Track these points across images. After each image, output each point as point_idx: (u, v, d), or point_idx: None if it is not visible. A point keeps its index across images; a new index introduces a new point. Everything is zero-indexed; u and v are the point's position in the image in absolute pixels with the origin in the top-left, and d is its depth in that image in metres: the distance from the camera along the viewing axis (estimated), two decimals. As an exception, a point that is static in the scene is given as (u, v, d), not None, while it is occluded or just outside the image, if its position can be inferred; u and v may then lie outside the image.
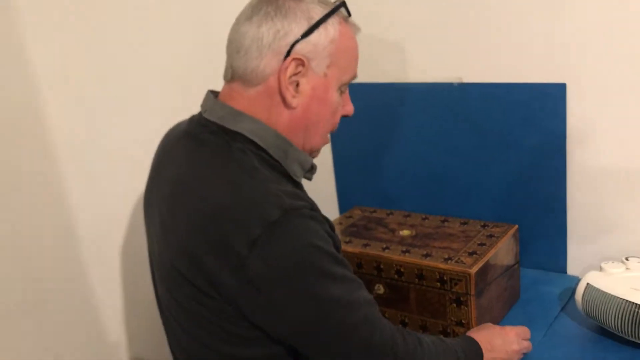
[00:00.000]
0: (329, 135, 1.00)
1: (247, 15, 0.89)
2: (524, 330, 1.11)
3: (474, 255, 1.16)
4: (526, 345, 1.09)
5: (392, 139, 1.55)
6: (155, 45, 1.37)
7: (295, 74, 0.88)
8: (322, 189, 1.76)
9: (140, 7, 1.33)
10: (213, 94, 0.96)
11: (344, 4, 0.93)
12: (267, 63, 0.87)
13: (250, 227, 0.78)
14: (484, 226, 1.28)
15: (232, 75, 0.91)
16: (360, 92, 1.56)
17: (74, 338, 1.29)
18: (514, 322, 1.21)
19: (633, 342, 1.08)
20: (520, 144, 1.35)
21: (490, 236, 1.23)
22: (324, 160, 1.72)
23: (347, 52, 0.93)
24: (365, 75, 1.55)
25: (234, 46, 0.90)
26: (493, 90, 1.36)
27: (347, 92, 0.98)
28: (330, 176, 1.72)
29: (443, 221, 1.34)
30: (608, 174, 1.28)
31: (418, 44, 1.45)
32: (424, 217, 1.37)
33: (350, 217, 1.43)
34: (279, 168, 0.91)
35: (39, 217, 1.21)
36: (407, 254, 1.19)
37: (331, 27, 0.89)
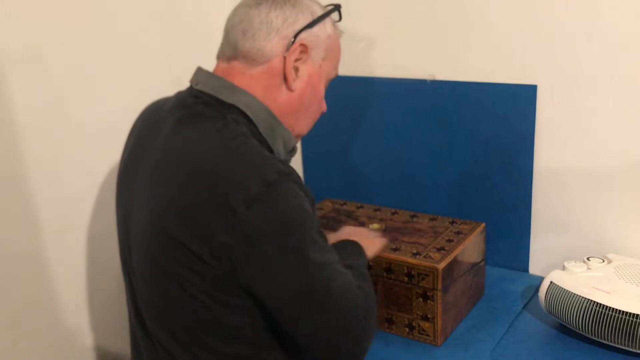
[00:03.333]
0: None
1: (257, 2, 0.95)
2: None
3: (442, 251, 1.17)
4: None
5: (363, 132, 1.55)
6: (127, 25, 1.34)
7: (298, 60, 0.95)
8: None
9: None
10: (205, 70, 0.98)
11: (339, 7, 1.03)
12: (274, 45, 0.93)
13: (249, 186, 0.81)
14: (452, 223, 1.30)
15: (234, 55, 0.95)
16: (332, 85, 1.57)
17: (32, 324, 1.26)
18: (478, 318, 1.24)
19: (592, 339, 1.11)
20: (489, 142, 1.38)
21: (458, 233, 1.25)
22: (294, 151, 1.72)
23: (336, 51, 1.03)
24: (340, 69, 1.55)
25: (240, 28, 0.95)
26: (465, 88, 1.38)
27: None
28: (298, 167, 1.72)
29: (412, 216, 1.35)
30: (573, 176, 1.31)
31: (393, 39, 1.45)
32: (393, 211, 1.38)
33: (320, 208, 1.43)
34: (265, 144, 0.94)
35: (1, 202, 1.17)
36: (376, 248, 1.20)
37: (328, 25, 0.99)
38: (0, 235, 1.18)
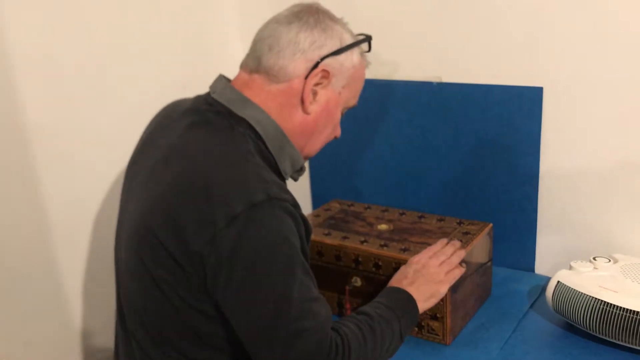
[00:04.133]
0: None
1: (288, 20, 0.96)
2: (445, 254, 1.12)
3: (451, 251, 1.18)
4: (455, 273, 1.11)
5: (370, 134, 1.57)
6: (137, 27, 1.36)
7: (318, 84, 0.96)
8: (296, 182, 1.76)
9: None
10: (225, 78, 0.99)
11: (369, 39, 1.04)
12: (297, 66, 0.94)
13: (233, 203, 0.81)
14: (459, 223, 1.31)
15: (257, 69, 0.96)
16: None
17: (43, 326, 1.27)
18: (486, 317, 1.25)
19: (599, 338, 1.12)
20: (495, 144, 1.39)
21: (466, 233, 1.26)
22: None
23: (359, 81, 1.04)
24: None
25: (267, 42, 0.95)
26: (471, 90, 1.39)
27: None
28: (305, 168, 1.73)
29: (420, 217, 1.36)
30: (578, 176, 1.32)
31: (399, 41, 1.46)
32: (401, 212, 1.39)
33: (328, 209, 1.44)
34: (270, 161, 0.94)
35: (12, 203, 1.18)
36: (385, 248, 1.21)
37: (355, 55, 1.00)
38: (11, 236, 1.19)
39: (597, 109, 1.26)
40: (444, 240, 1.18)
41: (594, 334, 1.12)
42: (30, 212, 1.21)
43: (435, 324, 1.17)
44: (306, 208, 1.75)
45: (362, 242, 1.24)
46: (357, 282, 1.24)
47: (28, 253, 1.22)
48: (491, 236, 1.30)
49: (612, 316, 1.08)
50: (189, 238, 0.83)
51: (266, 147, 0.94)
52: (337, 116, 1.03)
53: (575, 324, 1.15)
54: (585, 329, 1.13)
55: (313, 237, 1.27)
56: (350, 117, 1.57)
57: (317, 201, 1.73)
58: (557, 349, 1.14)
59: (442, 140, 1.46)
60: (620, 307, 1.08)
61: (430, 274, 1.09)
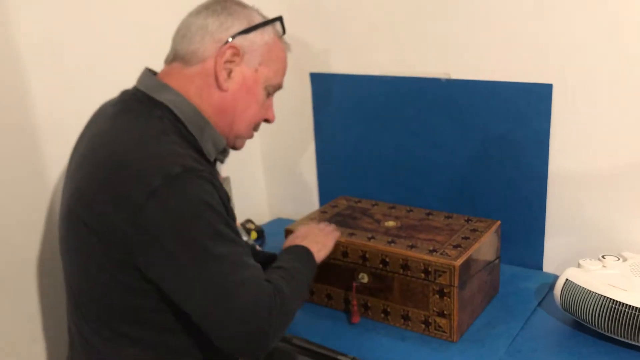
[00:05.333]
0: (254, 132, 1.11)
1: (197, 11, 1.03)
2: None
3: (459, 249, 1.18)
4: (335, 233, 1.24)
5: (377, 130, 1.56)
6: (145, 22, 1.35)
7: (230, 61, 1.01)
8: (303, 178, 1.77)
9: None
10: (150, 70, 1.04)
11: (280, 19, 1.08)
12: (207, 47, 1.00)
13: (150, 178, 0.85)
14: (467, 220, 1.31)
15: (174, 57, 1.02)
16: (348, 84, 1.58)
17: (49, 321, 1.27)
18: (493, 314, 1.24)
19: (608, 336, 1.11)
20: (503, 141, 1.38)
21: (474, 230, 1.25)
22: (306, 149, 1.73)
23: (277, 60, 1.07)
24: (355, 66, 1.57)
25: (180, 33, 1.02)
26: (480, 87, 1.38)
27: (272, 100, 1.11)
28: (312, 166, 1.73)
29: (428, 214, 1.36)
30: (587, 174, 1.31)
31: (408, 38, 1.46)
32: (408, 209, 1.39)
33: (335, 206, 1.44)
34: (193, 143, 0.98)
35: (24, 200, 1.18)
36: (392, 244, 1.21)
37: (267, 34, 1.04)
38: (24, 231, 1.19)
39: (607, 106, 1.25)
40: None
41: (603, 332, 1.11)
42: (37, 211, 1.22)
43: (442, 321, 1.16)
44: (313, 204, 1.75)
45: (369, 239, 1.24)
46: (364, 278, 1.23)
47: (38, 248, 1.23)
48: (499, 233, 1.30)
49: (622, 315, 1.08)
50: (112, 218, 0.87)
51: (188, 131, 0.98)
52: (260, 94, 1.06)
53: (583, 322, 1.14)
54: (593, 328, 1.12)
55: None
56: (357, 114, 1.58)
57: (324, 198, 1.73)
58: (565, 347, 1.13)
59: (449, 137, 1.45)
60: (630, 306, 1.07)
61: (316, 234, 1.19)
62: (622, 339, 1.09)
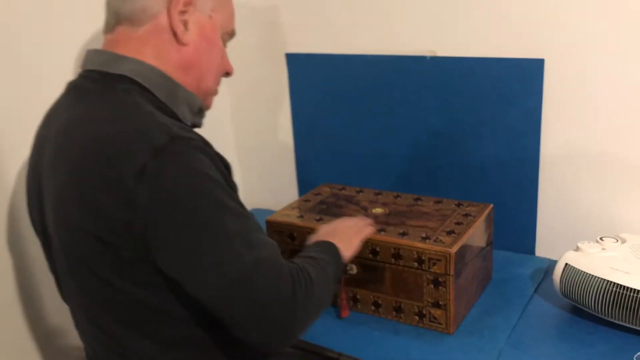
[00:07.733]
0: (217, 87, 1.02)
1: None
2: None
3: (452, 235, 1.11)
4: (366, 231, 1.13)
5: (360, 114, 1.49)
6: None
7: (184, 12, 0.91)
8: (281, 166, 1.69)
9: None
10: (93, 49, 0.93)
11: None
12: (156, 1, 0.89)
13: (136, 155, 0.75)
14: (458, 205, 1.25)
15: (117, 21, 0.91)
16: (327, 64, 1.51)
17: (15, 323, 1.18)
18: (489, 303, 1.19)
19: (610, 321, 1.07)
20: (494, 121, 1.32)
21: (467, 215, 1.19)
22: (284, 135, 1.65)
23: (227, 5, 0.99)
24: (334, 46, 1.49)
25: None
26: (468, 64, 1.32)
27: (226, 50, 1.01)
28: (289, 152, 1.65)
29: (416, 199, 1.29)
30: (580, 155, 1.27)
31: (391, 14, 1.39)
32: (396, 195, 1.32)
33: (318, 194, 1.36)
34: (166, 110, 0.88)
35: None
36: (382, 233, 1.14)
37: None
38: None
39: (602, 82, 1.20)
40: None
41: (605, 317, 1.07)
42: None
43: (437, 312, 1.10)
44: (292, 194, 1.67)
45: (357, 227, 1.16)
46: (353, 269, 1.16)
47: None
48: (492, 217, 1.24)
49: (625, 298, 1.03)
50: (105, 210, 0.77)
51: (157, 99, 0.88)
52: (218, 43, 0.97)
53: (584, 308, 1.09)
54: (595, 313, 1.08)
55: (303, 223, 1.20)
56: (337, 96, 1.50)
57: (303, 187, 1.65)
58: (567, 334, 1.08)
59: (437, 118, 1.39)
60: (633, 289, 1.02)
61: (344, 231, 1.09)
62: (625, 324, 1.05)
